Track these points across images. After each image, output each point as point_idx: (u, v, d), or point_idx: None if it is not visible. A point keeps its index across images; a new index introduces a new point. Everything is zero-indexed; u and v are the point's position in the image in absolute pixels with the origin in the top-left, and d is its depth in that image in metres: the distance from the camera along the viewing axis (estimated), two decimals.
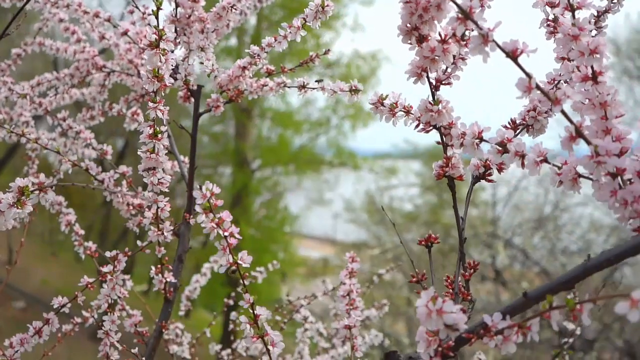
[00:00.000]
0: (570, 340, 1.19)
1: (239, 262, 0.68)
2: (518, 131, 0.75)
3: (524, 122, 0.75)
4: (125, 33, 1.07)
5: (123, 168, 1.12)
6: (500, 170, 0.73)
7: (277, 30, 0.97)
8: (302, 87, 1.01)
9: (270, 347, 0.69)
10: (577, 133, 0.56)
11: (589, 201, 6.85)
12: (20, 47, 1.38)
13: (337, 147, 11.61)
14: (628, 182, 0.56)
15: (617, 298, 0.46)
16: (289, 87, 1.02)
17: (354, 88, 0.90)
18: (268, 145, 11.59)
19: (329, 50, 1.08)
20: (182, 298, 1.55)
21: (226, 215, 0.68)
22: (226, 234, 0.67)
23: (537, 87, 0.55)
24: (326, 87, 0.95)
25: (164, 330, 1.05)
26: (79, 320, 1.16)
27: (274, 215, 11.69)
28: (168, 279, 1.04)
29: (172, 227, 0.98)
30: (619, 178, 0.55)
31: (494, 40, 0.55)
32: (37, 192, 0.73)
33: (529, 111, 0.75)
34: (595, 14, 0.78)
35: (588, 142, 0.55)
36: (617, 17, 0.57)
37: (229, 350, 1.42)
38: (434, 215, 9.75)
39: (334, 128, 11.75)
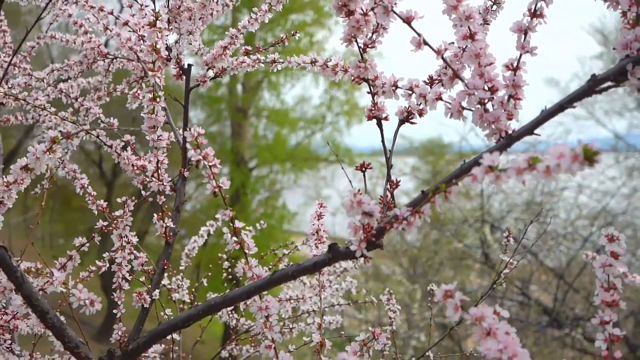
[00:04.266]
0: (503, 276, 1.41)
1: (220, 184, 0.90)
2: (434, 84, 0.97)
3: (439, 78, 0.97)
4: (126, 23, 1.29)
5: (127, 136, 1.34)
6: (420, 114, 0.95)
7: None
8: (273, 62, 1.23)
9: (246, 251, 0.92)
10: (455, 75, 0.78)
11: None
12: (34, 40, 1.60)
13: (332, 144, 11.82)
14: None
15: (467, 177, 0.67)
16: (262, 62, 1.25)
17: (313, 60, 1.12)
18: (264, 144, 11.80)
19: (296, 32, 1.31)
20: (182, 255, 1.78)
21: (210, 151, 0.90)
22: (211, 164, 0.89)
23: (425, 42, 0.77)
24: (292, 60, 1.17)
25: (165, 268, 1.27)
26: (93, 268, 1.38)
27: (272, 213, 11.87)
28: (168, 225, 1.25)
29: (170, 179, 1.20)
30: (486, 106, 0.78)
31: (393, 11, 0.77)
32: (65, 139, 0.95)
33: (441, 68, 0.97)
34: None
35: (462, 80, 0.78)
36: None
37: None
38: (430, 207, 9.92)
39: (330, 125, 11.99)
